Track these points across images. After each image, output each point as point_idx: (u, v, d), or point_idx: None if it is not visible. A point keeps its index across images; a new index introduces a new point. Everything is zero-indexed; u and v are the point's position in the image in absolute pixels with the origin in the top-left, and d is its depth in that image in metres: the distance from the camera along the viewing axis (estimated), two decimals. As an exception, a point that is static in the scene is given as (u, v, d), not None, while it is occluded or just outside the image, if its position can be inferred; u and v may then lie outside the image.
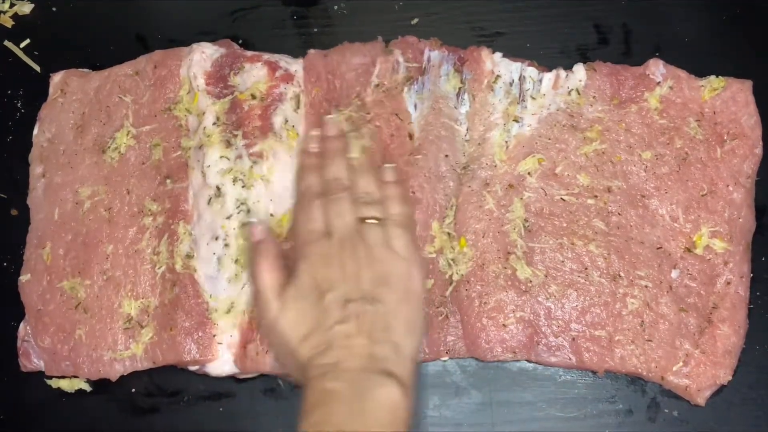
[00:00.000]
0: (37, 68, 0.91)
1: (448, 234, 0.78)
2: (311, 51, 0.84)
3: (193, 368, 0.78)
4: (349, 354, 0.63)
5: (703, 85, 0.80)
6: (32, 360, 0.80)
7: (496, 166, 0.79)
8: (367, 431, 0.59)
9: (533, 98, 0.80)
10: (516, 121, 0.80)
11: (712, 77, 0.80)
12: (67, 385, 0.80)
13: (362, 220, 0.69)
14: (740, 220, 0.77)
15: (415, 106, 0.81)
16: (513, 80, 0.81)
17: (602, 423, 0.76)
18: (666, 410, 0.76)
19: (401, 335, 0.65)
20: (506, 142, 0.79)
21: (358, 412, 0.60)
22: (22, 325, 0.81)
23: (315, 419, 0.60)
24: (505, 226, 0.77)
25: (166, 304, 0.78)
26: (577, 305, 0.76)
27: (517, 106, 0.80)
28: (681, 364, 0.75)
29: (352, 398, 0.60)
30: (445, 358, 0.78)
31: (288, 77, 0.83)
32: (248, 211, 0.78)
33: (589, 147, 0.78)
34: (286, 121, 0.81)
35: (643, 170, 0.78)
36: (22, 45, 0.91)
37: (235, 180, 0.79)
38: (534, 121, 0.80)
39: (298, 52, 0.85)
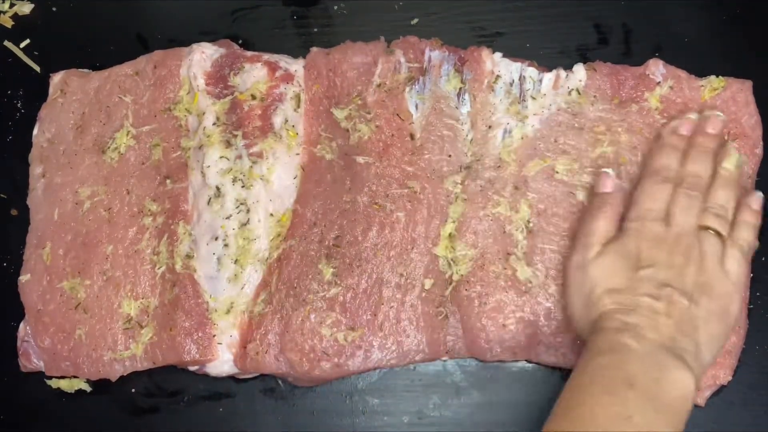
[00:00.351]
0: (37, 68, 0.91)
1: (449, 234, 0.78)
2: (314, 48, 0.84)
3: (192, 368, 0.78)
4: (653, 327, 0.62)
5: (703, 85, 0.80)
6: (32, 360, 0.80)
7: (499, 167, 0.79)
8: (659, 395, 0.58)
9: (533, 98, 0.80)
10: (521, 121, 0.79)
11: (712, 77, 0.80)
12: (66, 385, 0.80)
13: (704, 227, 0.68)
14: (740, 220, 0.77)
15: (416, 106, 0.81)
16: (513, 80, 0.81)
17: (602, 423, 0.76)
18: (666, 410, 0.76)
19: (705, 341, 0.64)
20: (510, 142, 0.79)
21: (653, 377, 0.59)
22: (22, 325, 0.81)
23: (606, 361, 0.60)
24: (507, 226, 0.77)
25: (166, 305, 0.78)
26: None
27: (518, 106, 0.80)
28: (681, 364, 0.74)
29: (649, 361, 0.60)
30: (445, 358, 0.78)
31: (288, 77, 0.83)
32: (248, 210, 0.78)
33: (600, 149, 0.78)
34: (286, 121, 0.81)
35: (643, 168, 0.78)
36: (22, 45, 0.91)
37: (234, 180, 0.79)
38: (536, 121, 0.80)
39: (298, 52, 0.85)
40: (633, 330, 0.62)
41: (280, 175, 0.80)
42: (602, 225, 0.70)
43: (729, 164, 0.71)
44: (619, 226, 0.70)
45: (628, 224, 0.69)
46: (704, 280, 0.65)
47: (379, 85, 0.81)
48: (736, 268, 0.67)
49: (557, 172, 0.78)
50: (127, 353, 0.78)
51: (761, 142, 0.78)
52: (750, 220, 0.70)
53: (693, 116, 0.76)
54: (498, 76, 0.81)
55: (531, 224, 0.77)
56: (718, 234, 0.67)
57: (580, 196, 0.77)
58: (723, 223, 0.68)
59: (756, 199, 0.71)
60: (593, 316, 0.66)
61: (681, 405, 0.59)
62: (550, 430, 0.58)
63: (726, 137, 0.78)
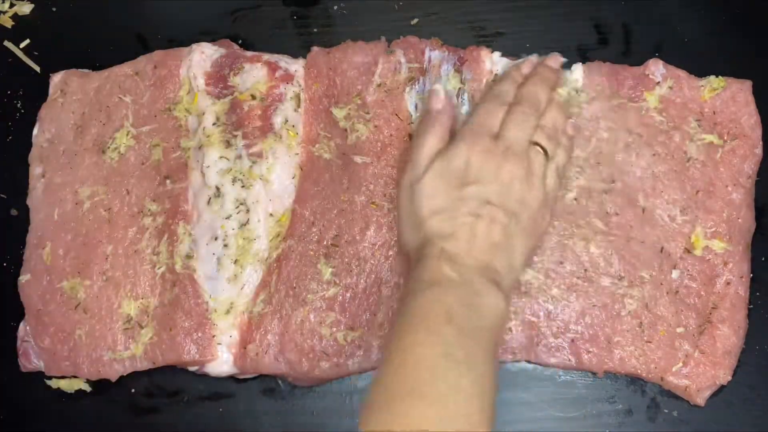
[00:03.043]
0: (37, 68, 0.91)
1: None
2: (314, 48, 0.84)
3: (192, 368, 0.78)
4: (470, 251, 0.65)
5: (702, 85, 0.80)
6: (32, 360, 0.80)
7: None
8: (474, 323, 0.62)
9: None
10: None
11: (712, 77, 0.80)
12: (66, 385, 0.80)
13: (533, 144, 0.70)
14: (740, 220, 0.77)
15: (416, 106, 0.81)
16: (513, 80, 0.81)
17: (602, 423, 0.76)
18: (666, 410, 0.76)
19: (517, 260, 0.68)
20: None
21: (470, 305, 0.62)
22: (21, 325, 0.81)
23: (432, 295, 0.63)
24: (505, 226, 0.77)
25: (166, 305, 0.78)
26: (576, 306, 0.76)
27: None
28: (680, 364, 0.74)
29: (466, 292, 0.63)
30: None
31: (288, 77, 0.83)
32: (247, 210, 0.78)
33: (598, 148, 0.78)
34: (286, 121, 0.81)
35: (642, 170, 0.78)
36: (22, 45, 0.91)
37: (234, 180, 0.79)
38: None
39: (298, 52, 0.85)
40: (451, 259, 0.64)
41: (279, 175, 0.80)
42: (430, 141, 0.71)
43: (563, 90, 0.76)
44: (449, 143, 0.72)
45: (458, 137, 0.70)
46: (527, 197, 0.68)
47: (379, 85, 0.81)
48: (552, 183, 0.71)
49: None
50: (127, 353, 0.78)
51: (761, 143, 0.78)
52: (566, 143, 0.74)
53: (533, 57, 0.79)
54: (497, 76, 0.81)
55: (530, 224, 0.77)
56: (545, 152, 0.70)
57: (575, 195, 0.77)
58: (552, 143, 0.71)
59: (572, 124, 0.75)
60: (420, 238, 0.68)
61: (496, 326, 0.64)
62: (380, 378, 0.60)
63: (725, 137, 0.78)
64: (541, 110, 0.72)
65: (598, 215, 0.77)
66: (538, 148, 0.70)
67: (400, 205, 0.72)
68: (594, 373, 0.76)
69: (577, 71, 0.80)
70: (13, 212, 0.86)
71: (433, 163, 0.69)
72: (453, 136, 0.72)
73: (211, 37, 0.86)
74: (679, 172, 0.78)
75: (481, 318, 0.62)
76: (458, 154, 0.69)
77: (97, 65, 0.89)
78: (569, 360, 0.75)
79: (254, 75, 0.82)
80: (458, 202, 0.67)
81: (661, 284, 0.76)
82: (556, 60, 0.78)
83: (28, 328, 0.81)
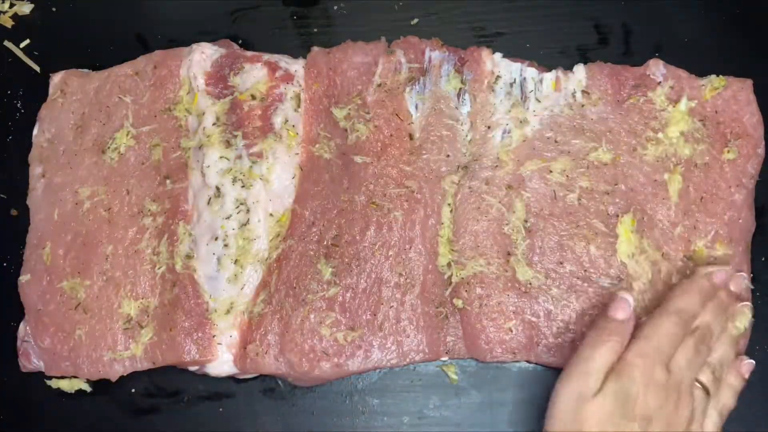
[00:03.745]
0: (37, 68, 0.91)
1: (447, 237, 0.78)
2: (315, 48, 0.84)
3: (192, 369, 0.78)
4: None
5: (703, 85, 0.79)
6: (32, 360, 0.80)
7: (497, 167, 0.79)
8: None
9: (538, 101, 0.80)
10: (521, 121, 0.79)
11: (713, 77, 0.80)
12: (66, 385, 0.81)
13: (697, 381, 0.66)
14: (740, 221, 0.77)
15: (416, 106, 0.81)
16: (514, 80, 0.81)
17: (602, 423, 0.76)
18: (666, 411, 0.76)
19: None
20: (508, 142, 0.79)
21: None
22: (21, 325, 0.81)
23: None
24: (505, 227, 0.77)
25: (166, 305, 0.78)
26: (576, 306, 0.76)
27: (519, 107, 0.80)
28: (681, 364, 0.74)
29: None
30: (445, 358, 0.78)
31: (288, 77, 0.83)
32: (247, 211, 0.78)
33: (599, 149, 0.78)
34: (286, 121, 0.81)
35: (643, 173, 0.78)
36: (22, 45, 0.91)
37: (234, 180, 0.79)
38: (536, 122, 0.80)
39: (298, 52, 0.85)
40: None
41: (279, 175, 0.80)
42: (607, 356, 0.65)
43: (740, 323, 0.70)
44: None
45: (633, 359, 0.65)
46: None
47: (379, 85, 0.81)
48: (711, 428, 0.67)
49: (551, 172, 0.78)
50: (127, 353, 0.78)
51: (763, 142, 0.78)
52: (736, 383, 0.69)
53: (728, 269, 0.72)
54: (498, 77, 0.81)
55: (529, 224, 0.77)
56: (707, 392, 0.66)
57: (575, 196, 0.77)
58: (715, 381, 0.67)
59: (747, 366, 0.70)
60: None
61: None
62: None
63: (728, 137, 0.78)
64: (713, 344, 0.68)
65: (599, 216, 0.77)
66: (700, 387, 0.66)
67: (560, 411, 0.65)
68: (594, 374, 0.76)
69: (580, 72, 0.80)
70: (13, 212, 0.86)
71: (607, 384, 0.64)
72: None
73: (211, 37, 0.86)
74: (682, 174, 0.77)
75: None
76: (633, 382, 0.64)
77: (97, 65, 0.89)
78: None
79: (254, 75, 0.82)
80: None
81: (661, 288, 0.76)
82: (738, 283, 0.73)
83: (28, 328, 0.81)
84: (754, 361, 0.71)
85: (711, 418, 0.67)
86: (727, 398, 0.69)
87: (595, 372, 0.65)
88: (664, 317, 0.67)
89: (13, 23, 0.92)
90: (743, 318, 0.71)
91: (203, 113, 0.81)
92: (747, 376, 0.70)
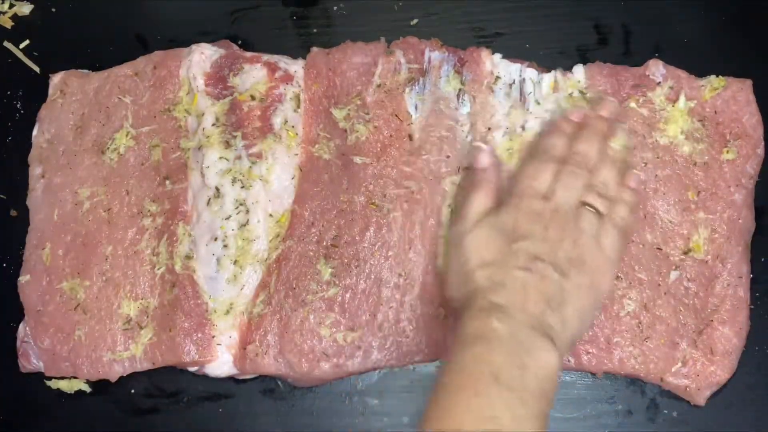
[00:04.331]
0: (37, 69, 0.91)
1: (447, 238, 0.78)
2: (314, 48, 0.84)
3: (192, 369, 0.78)
4: (521, 304, 0.62)
5: (703, 85, 0.79)
6: (32, 361, 0.80)
7: (497, 168, 0.79)
8: (524, 385, 0.58)
9: (538, 103, 0.80)
10: (521, 123, 0.79)
11: (712, 77, 0.80)
12: (66, 385, 0.81)
13: (584, 204, 0.69)
14: (740, 221, 0.77)
15: (416, 107, 0.81)
16: (513, 81, 0.81)
17: (601, 424, 0.76)
18: (665, 411, 0.76)
19: (572, 317, 0.64)
20: (509, 144, 0.79)
21: (519, 364, 0.59)
22: (21, 325, 0.81)
23: (477, 351, 0.60)
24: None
25: (166, 305, 0.78)
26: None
27: (518, 109, 0.80)
28: (680, 364, 0.74)
29: (514, 347, 0.60)
30: (445, 359, 0.78)
31: (287, 78, 0.83)
32: (247, 211, 0.78)
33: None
34: (286, 121, 0.81)
35: (644, 172, 0.78)
36: (22, 46, 0.91)
37: (234, 181, 0.79)
38: (537, 124, 0.79)
39: (297, 53, 0.85)
40: (501, 311, 0.62)
41: (279, 176, 0.80)
42: (480, 198, 0.71)
43: (616, 143, 0.73)
44: (497, 200, 0.71)
45: (507, 199, 0.70)
46: (577, 255, 0.66)
47: (379, 86, 0.81)
48: (610, 243, 0.68)
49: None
50: (127, 354, 0.78)
51: (762, 142, 0.78)
52: (628, 197, 0.71)
53: (583, 104, 0.77)
54: (498, 77, 0.81)
55: (530, 225, 0.77)
56: (597, 211, 0.68)
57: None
58: (604, 201, 0.69)
59: (634, 177, 0.72)
60: (466, 292, 0.66)
61: (547, 386, 0.59)
62: None
63: (727, 137, 0.78)
64: (592, 167, 0.71)
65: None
66: (589, 208, 0.68)
67: (448, 259, 0.71)
68: (593, 374, 0.76)
69: (579, 72, 0.80)
70: (13, 213, 0.86)
71: (483, 219, 0.69)
72: (500, 191, 0.72)
73: (211, 38, 0.86)
74: (682, 174, 0.77)
75: (531, 378, 0.58)
76: (507, 212, 0.68)
77: (97, 65, 0.89)
78: (568, 361, 0.75)
79: (254, 75, 0.82)
80: (508, 256, 0.65)
81: (660, 285, 0.76)
82: (608, 107, 0.76)
83: (27, 328, 0.81)
84: (640, 173, 0.74)
85: (607, 234, 0.68)
86: (623, 213, 0.70)
87: (471, 214, 0.70)
88: (531, 158, 0.73)
89: (13, 24, 0.92)
90: (620, 138, 0.73)
91: (203, 114, 0.81)
92: (633, 185, 0.72)
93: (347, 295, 0.77)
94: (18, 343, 0.81)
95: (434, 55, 0.82)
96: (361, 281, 0.77)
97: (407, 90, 0.81)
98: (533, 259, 0.65)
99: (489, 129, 0.80)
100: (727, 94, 0.79)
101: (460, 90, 0.81)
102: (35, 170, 0.85)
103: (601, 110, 0.76)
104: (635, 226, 0.72)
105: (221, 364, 0.77)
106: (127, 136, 0.83)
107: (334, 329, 0.76)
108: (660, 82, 0.80)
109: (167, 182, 0.81)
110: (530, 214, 0.68)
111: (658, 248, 0.76)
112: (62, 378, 0.81)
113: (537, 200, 0.68)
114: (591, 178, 0.70)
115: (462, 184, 0.77)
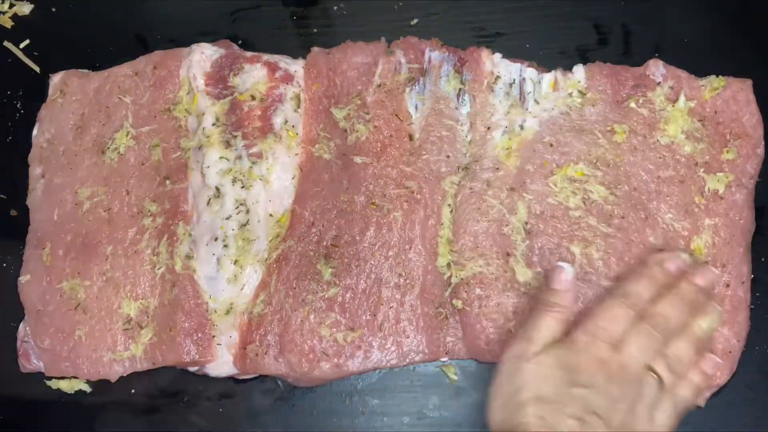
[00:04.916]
0: (37, 69, 0.91)
1: (447, 237, 0.78)
2: (314, 48, 0.84)
3: (192, 369, 0.79)
4: None
5: (703, 85, 0.79)
6: (32, 361, 0.80)
7: (498, 168, 0.79)
8: None
9: (537, 102, 0.80)
10: (521, 122, 0.79)
11: (712, 77, 0.80)
12: (66, 385, 0.81)
13: (650, 369, 0.65)
14: (741, 221, 0.77)
15: (416, 106, 0.81)
16: (513, 81, 0.81)
17: (602, 424, 0.76)
18: (665, 411, 0.76)
19: None
20: (509, 143, 0.79)
21: None
22: (21, 325, 0.81)
23: None
24: (505, 228, 0.77)
25: (166, 305, 0.78)
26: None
27: (518, 108, 0.80)
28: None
29: None
30: (445, 359, 0.78)
31: (288, 78, 0.83)
32: (247, 211, 0.78)
33: (600, 150, 0.78)
34: (286, 121, 0.81)
35: (646, 172, 0.78)
36: (22, 45, 0.91)
37: (234, 180, 0.79)
38: (536, 123, 0.79)
39: (298, 52, 0.85)
40: None
41: (279, 176, 0.80)
42: (550, 323, 0.67)
43: (706, 324, 0.68)
44: (567, 329, 0.67)
45: (577, 335, 0.66)
46: (630, 422, 0.63)
47: (379, 86, 0.81)
48: (663, 420, 0.64)
49: (552, 174, 0.78)
50: (127, 354, 0.78)
51: (762, 142, 0.78)
52: (697, 379, 0.67)
53: (684, 256, 0.72)
54: (498, 77, 0.81)
55: (529, 226, 0.77)
56: (661, 381, 0.65)
57: (578, 198, 0.77)
58: (671, 375, 0.65)
59: (712, 362, 0.68)
60: (512, 425, 0.62)
61: None
62: None
63: (728, 137, 0.78)
64: (670, 334, 0.66)
65: (600, 217, 0.77)
66: (654, 376, 0.64)
67: (501, 373, 0.66)
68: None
69: (579, 72, 0.80)
70: (13, 212, 0.86)
71: (550, 350, 0.65)
72: (570, 323, 0.68)
73: (211, 38, 0.86)
74: (683, 174, 0.77)
75: None
76: (573, 353, 0.64)
77: (97, 65, 0.89)
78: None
79: (254, 75, 0.82)
80: (565, 399, 0.62)
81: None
82: (707, 277, 0.70)
83: (27, 328, 0.81)
84: (719, 359, 0.69)
85: (664, 409, 0.64)
86: (687, 394, 0.66)
87: (539, 339, 0.66)
88: (611, 299, 0.68)
89: (13, 23, 0.92)
90: (710, 319, 0.68)
91: (203, 114, 0.81)
92: (710, 372, 0.68)
93: (347, 295, 0.77)
94: (18, 343, 0.81)
95: (434, 54, 0.82)
96: (362, 281, 0.77)
97: (407, 90, 0.81)
98: (590, 413, 0.62)
99: (488, 128, 0.80)
100: (727, 94, 0.79)
101: (460, 90, 0.81)
102: (35, 170, 0.85)
103: (698, 277, 0.70)
104: (690, 406, 0.68)
105: (221, 364, 0.77)
106: (127, 135, 0.83)
107: (335, 329, 0.76)
108: (660, 82, 0.80)
109: (167, 182, 0.81)
110: (597, 361, 0.64)
111: (659, 249, 0.76)
112: (62, 378, 0.81)
113: (606, 347, 0.65)
114: (666, 346, 0.66)
115: (533, 302, 0.71)
